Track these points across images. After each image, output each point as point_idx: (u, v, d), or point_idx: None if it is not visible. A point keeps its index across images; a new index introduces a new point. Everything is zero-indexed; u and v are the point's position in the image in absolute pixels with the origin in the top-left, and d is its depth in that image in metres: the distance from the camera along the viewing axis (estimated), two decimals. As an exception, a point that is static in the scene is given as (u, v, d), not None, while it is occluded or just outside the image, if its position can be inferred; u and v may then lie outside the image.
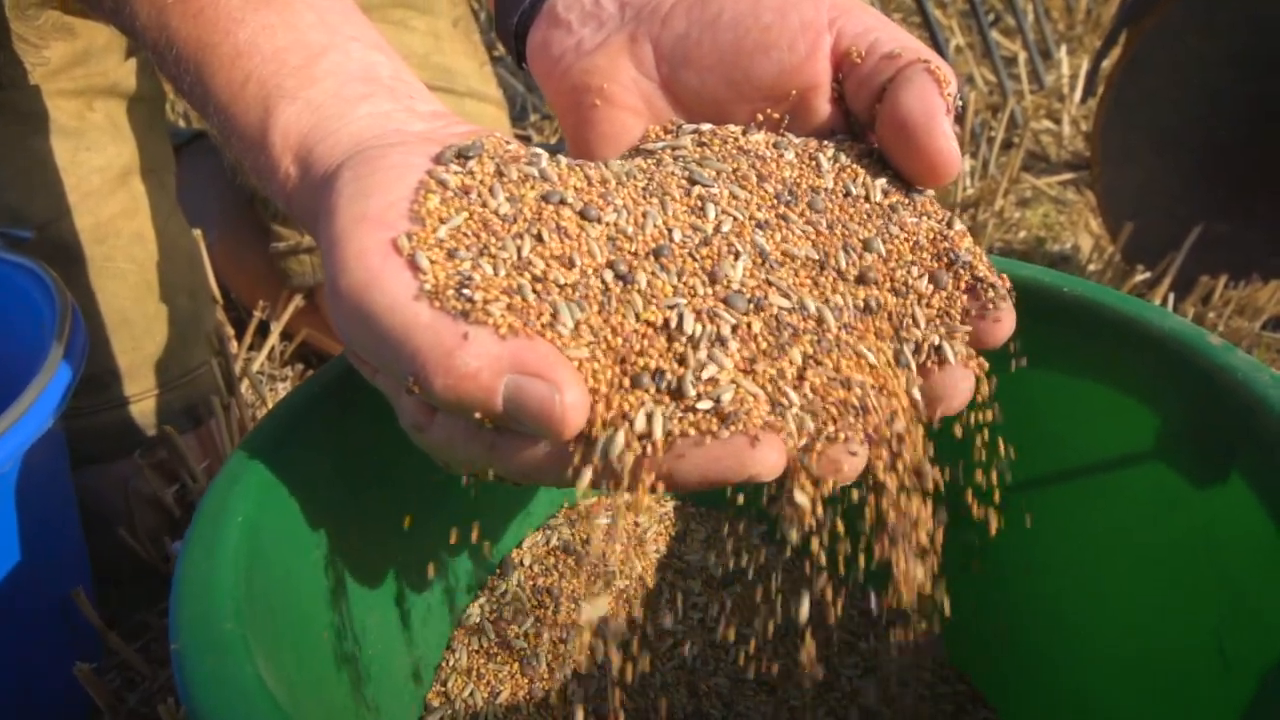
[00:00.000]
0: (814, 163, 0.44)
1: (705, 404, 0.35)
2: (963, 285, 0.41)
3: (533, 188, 0.39)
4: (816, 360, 0.37)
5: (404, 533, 0.53)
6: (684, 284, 0.38)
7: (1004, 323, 0.41)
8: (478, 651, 0.56)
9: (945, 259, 0.42)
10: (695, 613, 0.59)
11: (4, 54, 0.73)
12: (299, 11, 0.44)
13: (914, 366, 0.40)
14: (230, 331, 1.01)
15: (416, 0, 0.96)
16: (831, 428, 0.36)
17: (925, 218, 0.43)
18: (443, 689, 0.55)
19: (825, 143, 0.45)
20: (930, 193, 0.44)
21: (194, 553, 0.38)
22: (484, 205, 0.38)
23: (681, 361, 0.36)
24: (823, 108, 0.46)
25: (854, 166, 0.44)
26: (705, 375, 0.35)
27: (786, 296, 0.39)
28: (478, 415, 0.35)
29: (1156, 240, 1.11)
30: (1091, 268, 1.17)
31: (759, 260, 0.40)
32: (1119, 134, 1.10)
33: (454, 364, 0.34)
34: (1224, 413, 0.45)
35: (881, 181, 0.44)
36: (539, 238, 0.38)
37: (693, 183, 0.42)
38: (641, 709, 0.55)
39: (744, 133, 0.46)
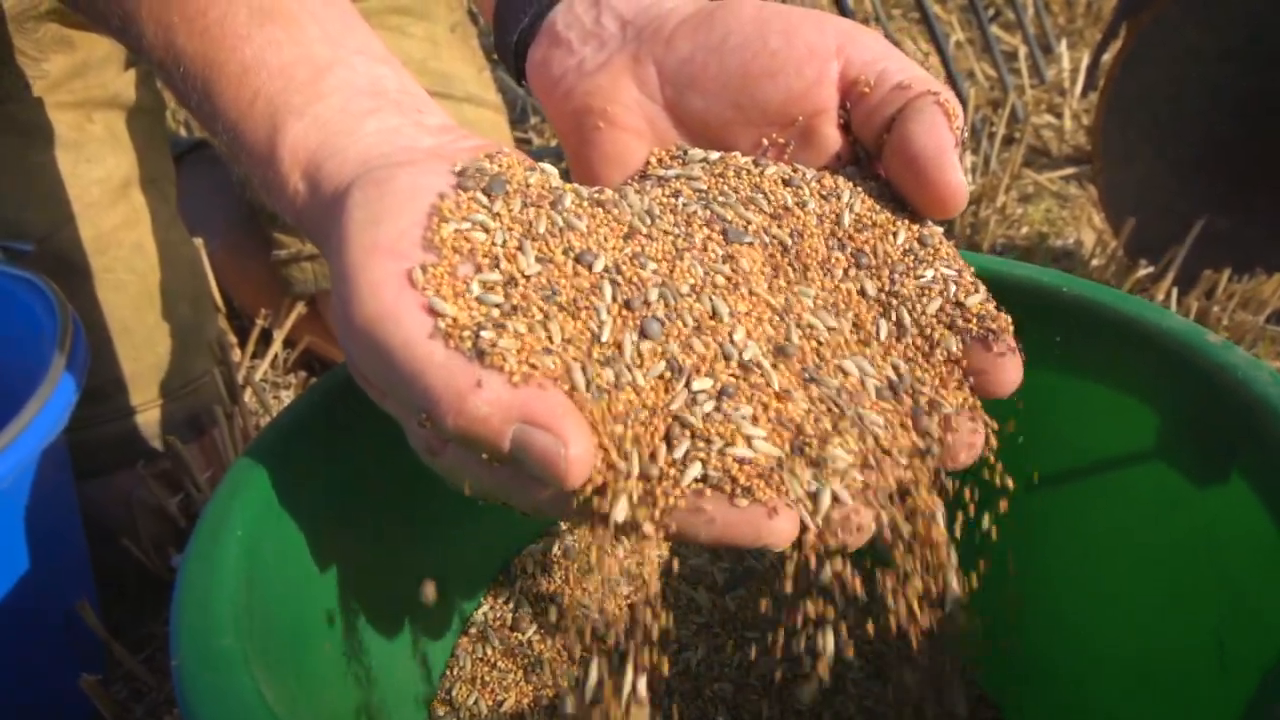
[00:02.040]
0: (835, 216, 0.44)
1: (728, 484, 0.35)
2: (972, 336, 0.41)
3: (562, 244, 0.39)
4: (839, 432, 0.37)
5: (406, 542, 0.53)
6: (726, 373, 0.37)
7: (1012, 373, 0.41)
8: (482, 659, 0.56)
9: (958, 311, 0.42)
10: (699, 617, 0.59)
11: (3, 68, 0.73)
12: (304, 26, 0.44)
13: (930, 430, 0.40)
14: (233, 340, 1.01)
15: (414, 6, 0.96)
16: (846, 496, 0.36)
17: (939, 265, 0.43)
18: (447, 697, 0.55)
19: (838, 182, 0.45)
20: (940, 229, 0.44)
21: (193, 567, 0.38)
22: (511, 262, 0.38)
23: (708, 439, 0.35)
24: (829, 134, 0.46)
25: (873, 218, 0.44)
26: (731, 453, 0.35)
27: (816, 378, 0.39)
28: (485, 456, 0.36)
29: (1159, 235, 1.10)
30: (1094, 263, 1.17)
31: (797, 349, 0.39)
32: (1119, 130, 1.09)
33: (465, 407, 0.34)
34: (1224, 412, 0.45)
35: (901, 235, 0.43)
36: (570, 311, 0.37)
37: (726, 238, 0.42)
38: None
39: (755, 164, 0.45)
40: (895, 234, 0.43)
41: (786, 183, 0.44)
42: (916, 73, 0.44)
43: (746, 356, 0.38)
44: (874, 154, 0.45)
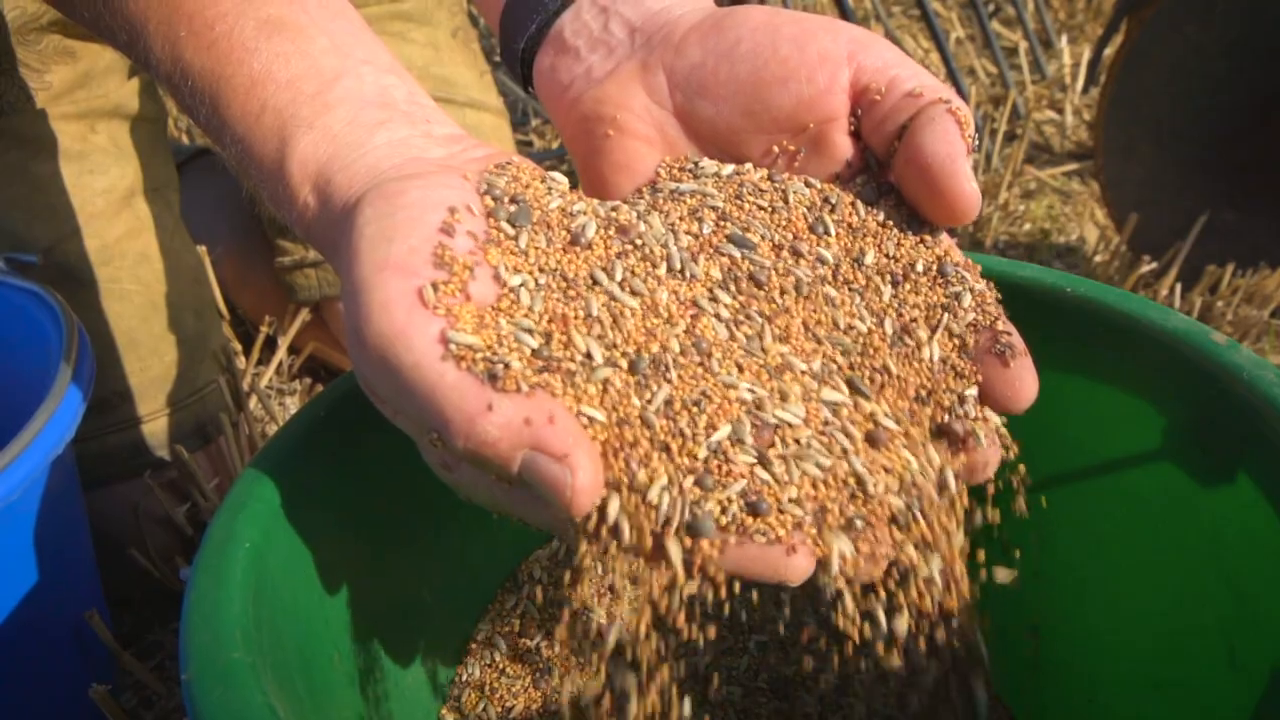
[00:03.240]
0: (858, 247, 0.44)
1: (750, 522, 0.35)
2: (988, 353, 0.41)
3: (608, 328, 0.38)
4: (853, 467, 0.37)
5: (412, 550, 0.53)
6: (739, 412, 0.37)
7: (1029, 389, 0.41)
8: (490, 666, 0.56)
9: (972, 326, 0.42)
10: (705, 621, 0.59)
11: (6, 80, 0.73)
12: (312, 37, 0.44)
13: (945, 452, 0.40)
14: (238, 347, 1.02)
15: (414, 12, 0.96)
16: (867, 532, 0.36)
17: (954, 281, 0.43)
18: (456, 704, 0.55)
19: (861, 207, 0.45)
20: (950, 239, 0.44)
21: (201, 582, 0.38)
22: (554, 324, 0.38)
23: (725, 483, 0.36)
24: (840, 141, 0.45)
25: (893, 247, 0.44)
26: (750, 496, 0.35)
27: (834, 406, 0.39)
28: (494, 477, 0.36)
29: (1162, 230, 1.10)
30: (1097, 259, 1.17)
31: (813, 376, 0.40)
32: (1120, 125, 1.09)
33: (475, 430, 0.34)
34: (1229, 413, 0.45)
35: (920, 257, 0.43)
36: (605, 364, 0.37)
37: (758, 285, 0.42)
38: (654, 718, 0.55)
39: (771, 179, 0.45)
40: (914, 264, 0.43)
41: (812, 228, 0.44)
42: (928, 80, 0.44)
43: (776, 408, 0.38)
44: (884, 161, 0.45)
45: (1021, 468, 0.42)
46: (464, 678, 0.56)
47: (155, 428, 0.81)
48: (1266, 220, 1.11)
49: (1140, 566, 0.50)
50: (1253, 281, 1.08)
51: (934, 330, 0.42)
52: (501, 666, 0.56)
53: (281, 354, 1.01)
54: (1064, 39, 1.69)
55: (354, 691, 0.47)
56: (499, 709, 0.55)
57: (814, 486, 0.36)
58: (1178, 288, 1.06)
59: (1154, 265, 1.09)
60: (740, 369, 0.39)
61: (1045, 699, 0.56)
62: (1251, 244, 1.09)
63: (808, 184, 0.45)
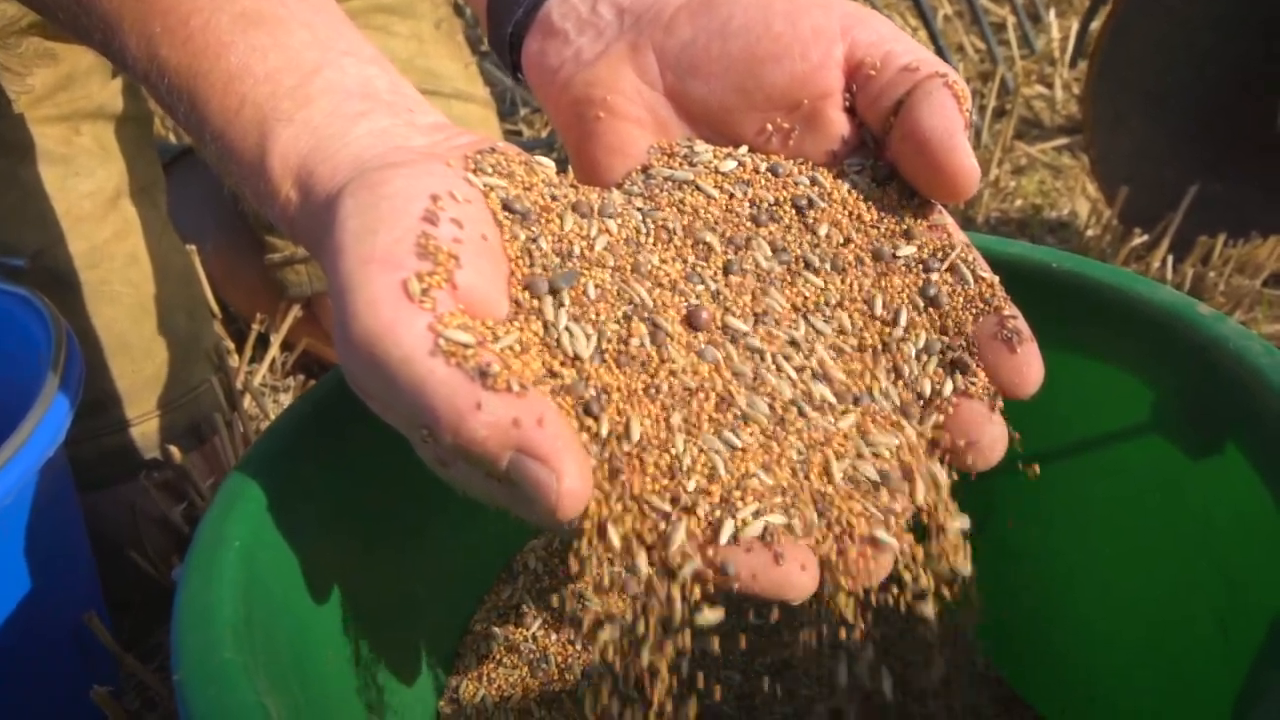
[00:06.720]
0: (860, 234, 0.44)
1: (748, 532, 0.35)
2: (993, 336, 0.41)
3: (616, 313, 0.38)
4: (851, 464, 0.37)
5: (405, 544, 0.53)
6: (730, 417, 0.37)
7: (1035, 373, 0.41)
8: (487, 657, 0.56)
9: (977, 310, 0.42)
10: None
11: (-13, 84, 0.73)
12: (291, 30, 0.43)
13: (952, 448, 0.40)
14: (230, 345, 1.01)
15: (398, 5, 0.96)
16: (863, 529, 0.36)
17: (957, 263, 0.43)
18: (454, 695, 0.55)
19: (859, 188, 0.44)
20: (952, 221, 0.44)
21: (192, 582, 0.38)
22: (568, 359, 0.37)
23: (724, 499, 0.35)
24: (834, 117, 0.45)
25: (897, 224, 0.44)
26: (744, 512, 0.35)
27: (823, 405, 0.39)
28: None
29: (1153, 203, 1.10)
30: (1089, 233, 1.17)
31: (800, 367, 0.40)
32: (1108, 98, 1.09)
33: (464, 427, 0.33)
34: (1217, 385, 0.45)
35: (921, 239, 0.43)
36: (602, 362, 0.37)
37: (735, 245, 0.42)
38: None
39: (774, 174, 0.45)
40: (915, 245, 0.43)
41: (840, 225, 0.44)
42: (923, 55, 0.43)
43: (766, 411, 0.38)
44: (880, 138, 0.45)
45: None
46: (460, 668, 0.56)
47: (150, 429, 0.81)
48: (1252, 190, 1.11)
49: (1132, 553, 0.50)
50: (1244, 251, 1.07)
51: (937, 316, 0.42)
52: (498, 657, 0.56)
53: (274, 351, 1.01)
54: (1052, 13, 1.68)
55: (349, 687, 0.47)
56: (496, 698, 0.55)
57: (816, 499, 0.36)
58: (1169, 259, 1.06)
59: (1145, 238, 1.09)
60: (739, 374, 0.39)
61: (1052, 692, 0.56)
62: (1242, 213, 1.09)
63: (812, 181, 0.45)
